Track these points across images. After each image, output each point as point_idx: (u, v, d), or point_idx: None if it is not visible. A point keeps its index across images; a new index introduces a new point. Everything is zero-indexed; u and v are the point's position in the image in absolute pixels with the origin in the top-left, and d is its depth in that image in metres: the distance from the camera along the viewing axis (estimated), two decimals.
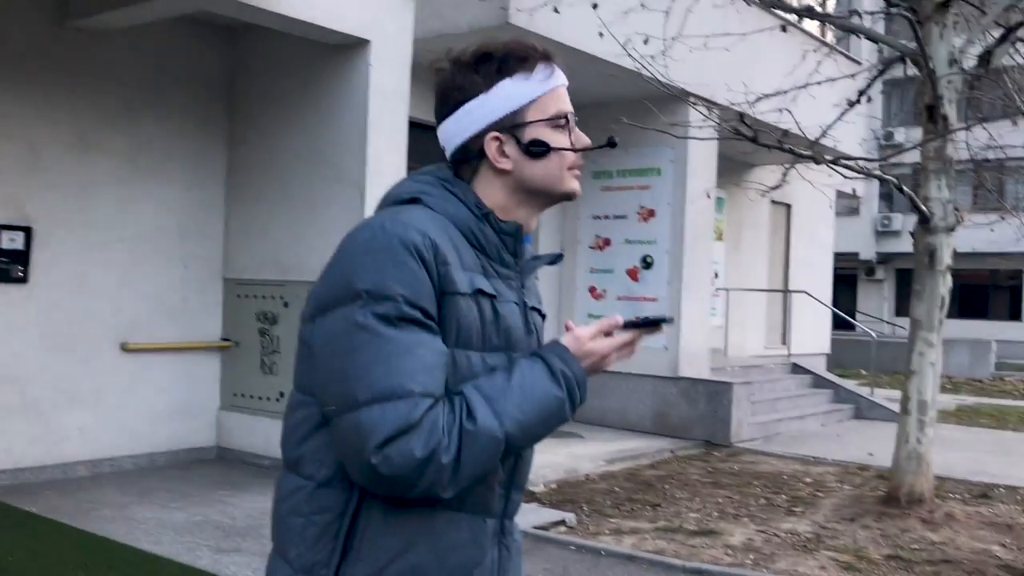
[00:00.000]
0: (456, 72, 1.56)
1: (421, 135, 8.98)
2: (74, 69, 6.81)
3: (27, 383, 6.66)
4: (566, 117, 1.56)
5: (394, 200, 1.55)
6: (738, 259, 13.60)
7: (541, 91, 1.54)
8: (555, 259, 1.68)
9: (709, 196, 10.05)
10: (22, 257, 6.57)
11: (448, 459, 1.34)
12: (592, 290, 10.74)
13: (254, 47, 7.64)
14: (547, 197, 1.58)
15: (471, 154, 1.55)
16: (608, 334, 1.51)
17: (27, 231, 6.58)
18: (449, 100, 1.56)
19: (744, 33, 6.40)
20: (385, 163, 6.88)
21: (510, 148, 1.53)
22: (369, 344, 1.34)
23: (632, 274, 10.43)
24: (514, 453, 1.47)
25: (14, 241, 6.53)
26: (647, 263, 10.31)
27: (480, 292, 1.46)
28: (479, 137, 1.53)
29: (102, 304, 7.04)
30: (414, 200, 1.52)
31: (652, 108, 6.33)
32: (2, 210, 6.46)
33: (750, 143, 5.26)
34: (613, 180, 10.60)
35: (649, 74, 5.12)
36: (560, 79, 1.56)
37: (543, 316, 1.70)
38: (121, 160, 7.11)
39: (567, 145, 1.55)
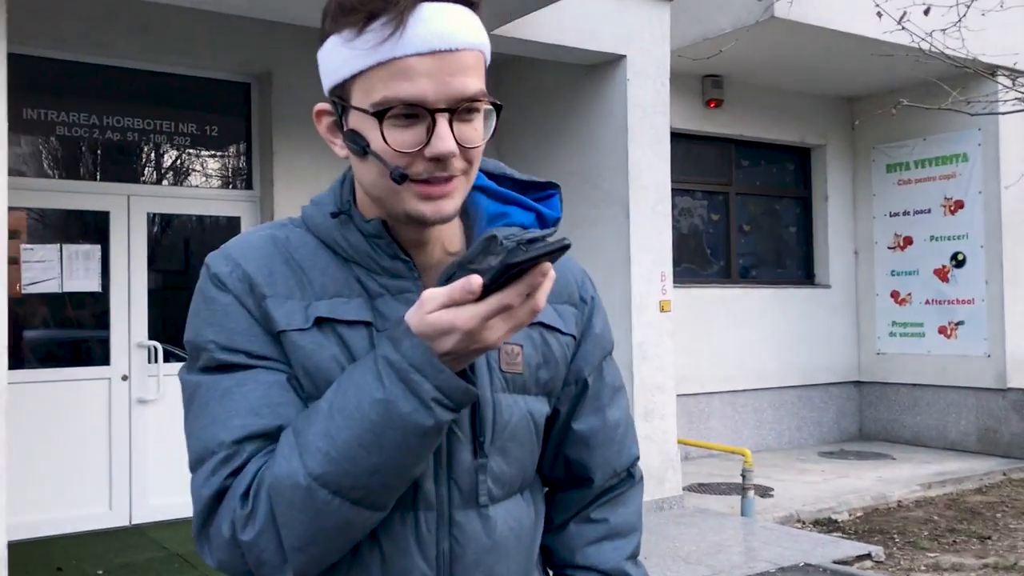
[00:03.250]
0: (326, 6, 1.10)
1: (685, 144, 8.70)
2: None
3: None
4: (394, 107, 1.02)
5: None
6: None
7: (365, 63, 1.02)
8: (488, 246, 1.05)
9: None
10: None
11: (252, 534, 1.00)
12: (895, 295, 9.76)
13: (515, 78, 7.76)
14: (390, 209, 1.09)
15: None
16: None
17: None
18: None
19: None
20: (647, 178, 6.67)
21: (340, 131, 1.11)
22: (191, 400, 1.09)
23: (941, 274, 9.35)
24: (362, 499, 1.00)
25: None
26: (958, 261, 9.20)
27: (327, 320, 1.08)
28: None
29: None
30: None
31: (944, 87, 5.59)
32: None
33: None
34: (910, 172, 9.60)
35: (931, 48, 4.50)
36: (409, 44, 1.01)
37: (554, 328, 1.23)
38: None
39: (384, 150, 1.03)
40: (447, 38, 1.02)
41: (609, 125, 6.77)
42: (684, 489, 7.04)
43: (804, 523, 6.71)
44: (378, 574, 1.08)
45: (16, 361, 5.75)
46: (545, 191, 1.25)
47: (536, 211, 1.22)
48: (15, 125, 4.74)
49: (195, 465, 1.06)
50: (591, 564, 1.28)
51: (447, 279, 1.06)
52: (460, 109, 1.04)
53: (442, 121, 1.03)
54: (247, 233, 1.16)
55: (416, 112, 1.02)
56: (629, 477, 1.34)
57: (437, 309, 0.96)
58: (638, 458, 1.37)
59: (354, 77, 1.04)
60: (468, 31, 1.05)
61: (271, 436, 1.04)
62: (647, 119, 6.73)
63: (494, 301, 0.94)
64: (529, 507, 1.23)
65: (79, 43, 6.23)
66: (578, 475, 1.30)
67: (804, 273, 10.07)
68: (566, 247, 0.95)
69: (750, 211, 9.72)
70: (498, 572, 1.16)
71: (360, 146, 1.05)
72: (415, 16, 1.01)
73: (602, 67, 6.79)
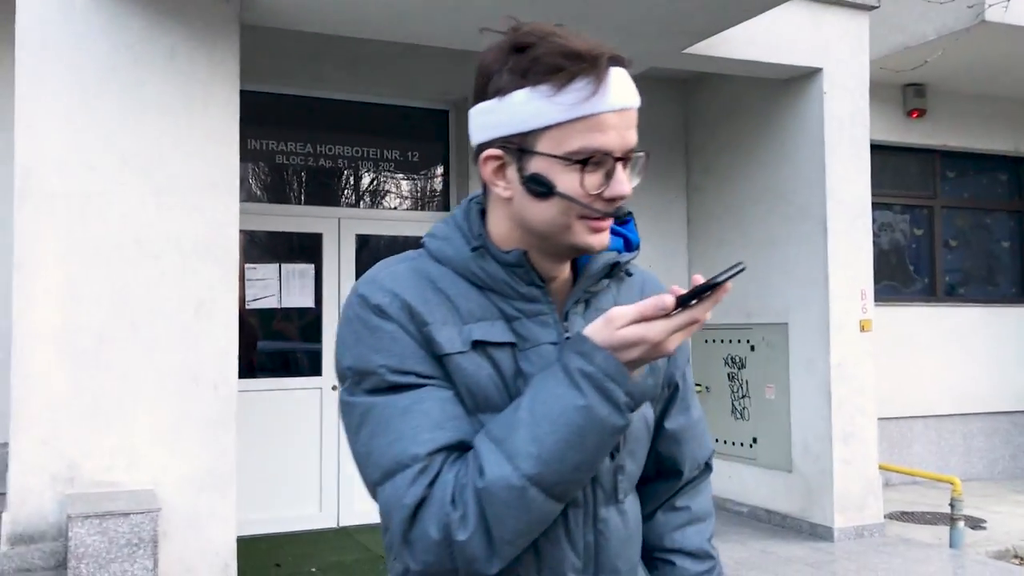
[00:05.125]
0: (492, 54, 1.21)
1: (885, 156, 8.34)
2: None
3: None
4: (590, 157, 1.17)
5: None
6: None
7: (563, 117, 1.15)
8: (612, 270, 1.30)
9: None
10: None
11: (467, 534, 1.10)
12: None
13: (707, 96, 7.72)
14: (552, 243, 1.23)
15: (477, 161, 1.26)
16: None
17: None
18: (476, 87, 1.24)
19: None
20: (845, 192, 6.46)
21: (512, 173, 1.21)
22: (364, 419, 1.18)
23: None
24: (560, 495, 1.14)
25: None
26: None
27: (483, 344, 1.20)
28: (486, 147, 1.22)
29: None
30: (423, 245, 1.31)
31: None
32: None
33: None
34: None
35: None
36: (606, 103, 1.16)
37: None
38: None
39: (576, 192, 1.17)
40: (627, 98, 1.20)
41: (805, 139, 6.62)
42: (885, 517, 6.73)
43: (1022, 559, 6.26)
44: (533, 565, 1.22)
45: (239, 371, 6.28)
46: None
47: (624, 236, 1.36)
48: (240, 155, 5.21)
49: (384, 478, 1.15)
50: (679, 547, 1.45)
51: (576, 301, 1.28)
52: (628, 157, 1.21)
53: (619, 168, 1.19)
54: (387, 265, 1.27)
55: (599, 160, 1.17)
56: (707, 468, 1.51)
57: (627, 324, 1.11)
58: (713, 451, 1.53)
59: (547, 128, 1.16)
60: (635, 92, 1.22)
61: (455, 447, 1.15)
62: (845, 132, 6.53)
63: (685, 316, 1.10)
64: (637, 500, 1.39)
65: (296, 78, 6.75)
66: (668, 468, 1.46)
67: (1019, 290, 9.39)
68: (743, 269, 1.10)
69: (957, 225, 9.18)
70: (629, 557, 1.33)
71: (546, 188, 1.17)
72: (608, 78, 1.17)
73: (797, 81, 6.66)
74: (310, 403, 6.82)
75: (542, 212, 1.19)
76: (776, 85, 6.81)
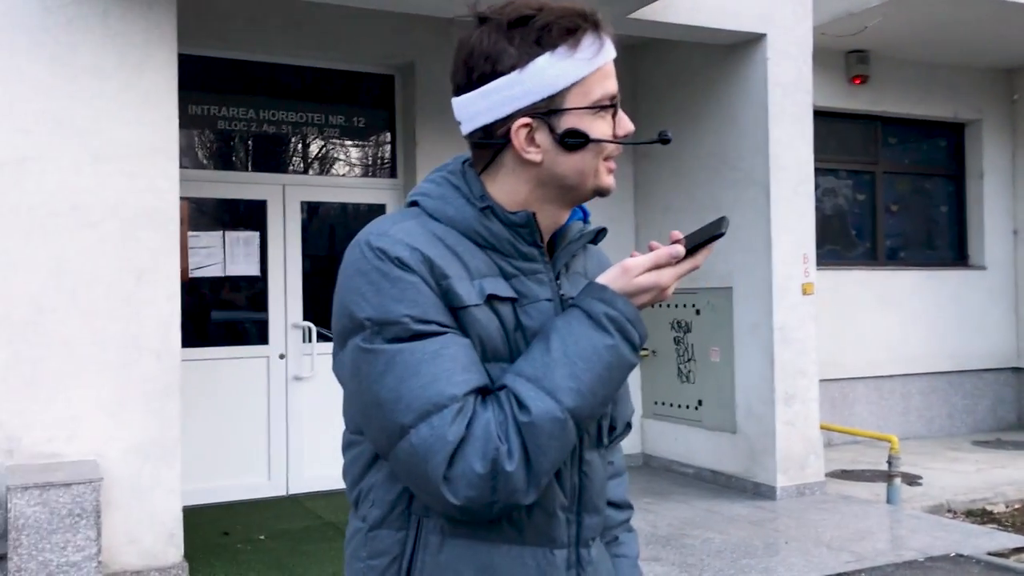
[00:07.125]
0: (485, 36, 1.27)
1: (828, 122, 8.45)
2: None
3: None
4: (611, 101, 1.30)
5: (407, 204, 1.37)
6: None
7: (586, 71, 1.27)
8: (597, 237, 1.41)
9: None
10: None
11: (513, 465, 1.17)
12: None
13: (653, 62, 7.74)
14: (576, 193, 1.33)
15: (493, 138, 1.30)
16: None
17: None
18: (472, 70, 1.28)
19: None
20: (789, 157, 6.54)
21: (541, 137, 1.28)
22: (391, 364, 1.20)
23: None
24: (586, 424, 1.25)
25: None
26: None
27: (493, 298, 1.26)
28: (506, 121, 1.28)
29: None
30: (415, 203, 1.34)
31: None
32: None
33: None
34: None
35: None
36: (609, 52, 1.29)
37: None
38: None
39: (608, 134, 1.29)
40: (614, 49, 1.32)
41: (749, 105, 6.68)
42: (826, 475, 6.90)
43: (955, 513, 6.47)
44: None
45: (185, 340, 6.19)
46: None
47: (581, 208, 1.46)
48: (181, 120, 5.10)
49: (419, 419, 1.18)
50: (608, 498, 1.51)
51: (564, 263, 1.38)
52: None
53: (619, 109, 1.32)
54: (392, 221, 1.29)
55: (609, 104, 1.30)
56: (628, 427, 1.55)
57: (643, 273, 1.24)
58: (633, 410, 1.59)
59: (573, 85, 1.27)
60: None
61: (481, 390, 1.21)
62: (788, 98, 6.60)
63: (688, 264, 1.25)
64: None
65: (239, 41, 6.62)
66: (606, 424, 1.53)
67: (956, 254, 9.63)
68: (728, 222, 1.28)
69: (898, 190, 9.36)
70: (605, 498, 1.42)
71: (582, 138, 1.27)
72: (605, 32, 1.30)
73: (742, 46, 6.70)
74: (258, 372, 6.76)
75: (576, 162, 1.28)
76: (721, 51, 6.85)
